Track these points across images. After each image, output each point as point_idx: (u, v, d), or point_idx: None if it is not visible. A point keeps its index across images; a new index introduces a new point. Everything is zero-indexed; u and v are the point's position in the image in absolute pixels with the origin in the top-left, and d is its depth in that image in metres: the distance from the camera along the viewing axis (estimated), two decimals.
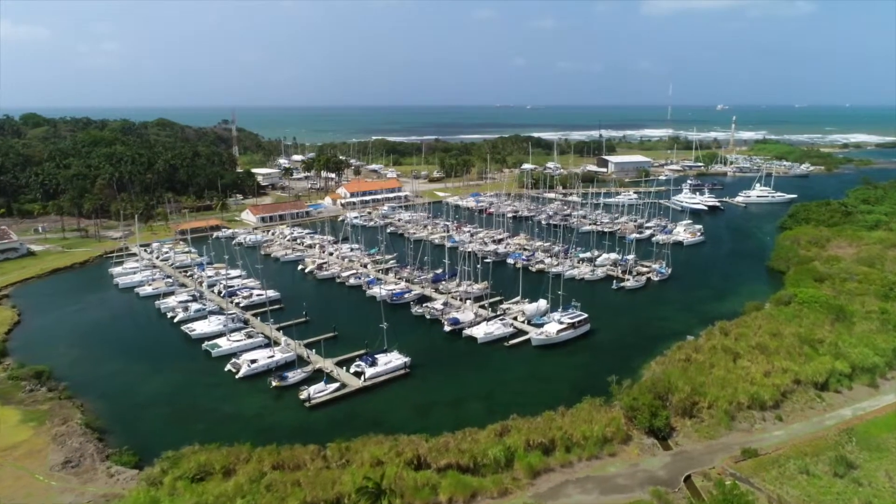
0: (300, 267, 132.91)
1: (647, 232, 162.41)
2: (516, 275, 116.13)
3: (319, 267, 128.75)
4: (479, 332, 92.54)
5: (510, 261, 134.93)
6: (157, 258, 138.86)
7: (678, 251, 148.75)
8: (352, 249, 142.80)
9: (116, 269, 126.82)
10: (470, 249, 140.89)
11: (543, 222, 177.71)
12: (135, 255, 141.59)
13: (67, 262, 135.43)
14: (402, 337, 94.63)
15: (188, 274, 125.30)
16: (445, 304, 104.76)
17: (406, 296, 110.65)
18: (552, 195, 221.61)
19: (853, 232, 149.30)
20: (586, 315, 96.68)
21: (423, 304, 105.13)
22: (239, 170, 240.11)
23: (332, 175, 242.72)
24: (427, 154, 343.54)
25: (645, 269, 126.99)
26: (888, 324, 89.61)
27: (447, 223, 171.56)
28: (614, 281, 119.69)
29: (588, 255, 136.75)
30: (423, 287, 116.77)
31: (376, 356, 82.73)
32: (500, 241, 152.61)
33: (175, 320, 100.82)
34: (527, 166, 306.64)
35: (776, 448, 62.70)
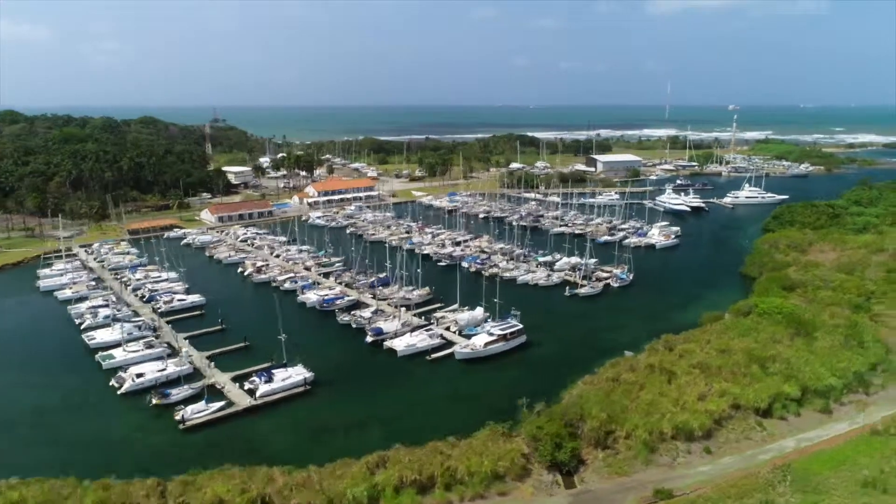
0: (239, 269, 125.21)
1: (620, 234, 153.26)
2: (468, 279, 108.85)
3: (258, 270, 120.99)
4: (400, 344, 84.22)
5: (465, 264, 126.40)
6: (95, 259, 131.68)
7: (649, 255, 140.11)
8: (300, 251, 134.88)
9: (44, 272, 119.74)
10: (425, 252, 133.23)
11: (515, 224, 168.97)
12: (74, 255, 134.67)
13: None
14: (322, 348, 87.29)
15: (118, 277, 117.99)
16: (376, 311, 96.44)
17: (338, 302, 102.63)
18: (531, 195, 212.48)
19: (839, 235, 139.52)
20: (521, 326, 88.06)
21: (351, 312, 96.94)
22: (211, 168, 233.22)
23: (303, 173, 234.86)
24: (414, 153, 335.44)
25: (605, 275, 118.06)
26: (854, 339, 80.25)
27: (411, 224, 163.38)
28: (567, 287, 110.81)
29: (549, 258, 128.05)
30: (360, 292, 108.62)
31: (274, 371, 74.68)
32: (459, 243, 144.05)
33: (82, 327, 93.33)
34: (515, 165, 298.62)
35: (696, 488, 53.99)
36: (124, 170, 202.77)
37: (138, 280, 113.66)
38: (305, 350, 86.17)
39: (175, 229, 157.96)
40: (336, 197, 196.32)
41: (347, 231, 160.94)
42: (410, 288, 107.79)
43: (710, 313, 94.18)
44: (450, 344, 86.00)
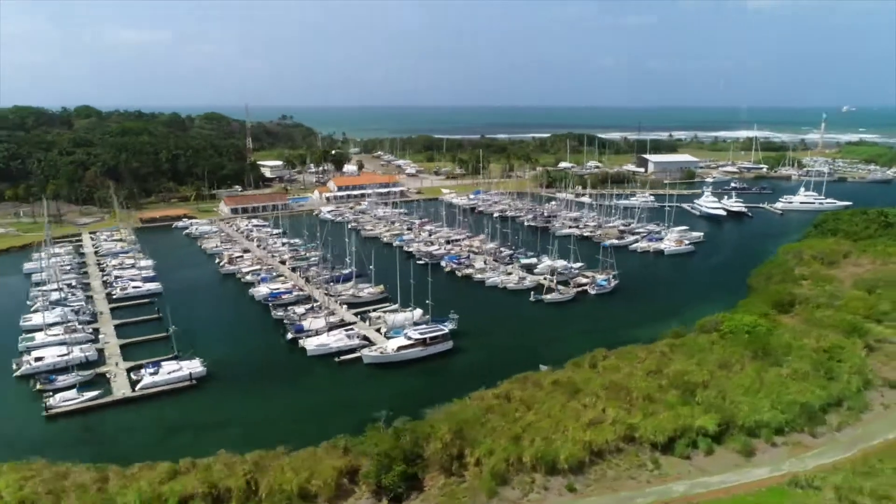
0: (216, 260, 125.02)
1: (631, 238, 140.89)
2: (441, 279, 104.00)
3: (230, 261, 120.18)
4: (311, 343, 79.48)
5: (443, 264, 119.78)
6: (94, 245, 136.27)
7: (653, 261, 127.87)
8: (283, 244, 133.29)
9: (36, 255, 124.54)
10: (411, 249, 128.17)
11: (526, 224, 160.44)
12: (79, 241, 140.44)
13: (3, 246, 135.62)
14: (240, 342, 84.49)
15: (99, 263, 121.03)
16: (311, 308, 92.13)
17: (284, 296, 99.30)
18: (562, 195, 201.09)
19: (883, 247, 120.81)
20: (447, 330, 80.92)
21: (286, 308, 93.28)
22: (249, 161, 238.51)
23: (325, 167, 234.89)
24: (465, 151, 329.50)
25: (586, 280, 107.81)
26: (823, 367, 67.37)
27: (414, 221, 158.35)
28: (532, 292, 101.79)
29: (533, 260, 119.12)
30: (318, 288, 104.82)
31: (163, 364, 72.11)
32: (451, 241, 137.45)
33: (31, 310, 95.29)
34: (564, 164, 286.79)
35: None
36: (162, 161, 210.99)
37: (112, 266, 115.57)
38: (222, 343, 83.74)
39: (185, 219, 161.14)
40: (356, 192, 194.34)
41: (349, 226, 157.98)
42: (365, 285, 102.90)
43: (675, 329, 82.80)
44: (370, 345, 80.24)
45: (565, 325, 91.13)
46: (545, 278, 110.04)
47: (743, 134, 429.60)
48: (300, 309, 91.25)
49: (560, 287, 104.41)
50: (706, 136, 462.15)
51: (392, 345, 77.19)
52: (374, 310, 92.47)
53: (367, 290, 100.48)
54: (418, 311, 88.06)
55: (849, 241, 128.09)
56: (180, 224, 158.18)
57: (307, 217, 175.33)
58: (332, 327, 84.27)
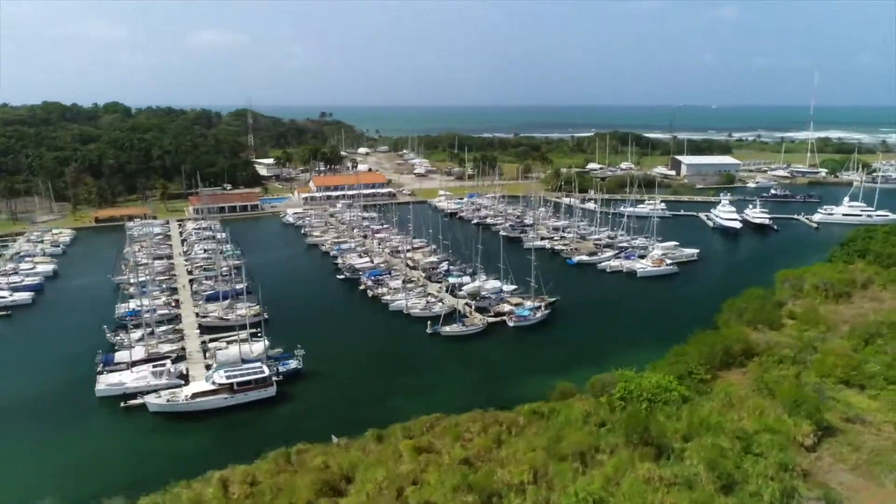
0: (122, 268, 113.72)
1: (607, 253, 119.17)
2: (348, 299, 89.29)
3: (129, 269, 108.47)
4: (104, 382, 65.39)
5: (363, 279, 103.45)
6: (26, 244, 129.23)
7: (620, 285, 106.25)
8: (205, 251, 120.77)
9: None
10: (339, 262, 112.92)
11: (502, 233, 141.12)
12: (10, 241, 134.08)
13: None
14: (42, 371, 71.35)
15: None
16: (151, 332, 78.08)
17: (146, 315, 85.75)
18: (568, 200, 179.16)
19: None
20: (267, 373, 64.65)
21: (126, 330, 79.66)
22: (252, 158, 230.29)
23: (320, 166, 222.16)
24: (497, 150, 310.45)
25: (508, 308, 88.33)
26: (722, 468, 46.29)
27: (372, 227, 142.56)
28: (428, 322, 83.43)
29: (463, 280, 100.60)
30: (195, 306, 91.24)
31: None
32: (398, 252, 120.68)
33: None
34: (593, 166, 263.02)
35: None
36: (153, 158, 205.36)
37: (7, 268, 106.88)
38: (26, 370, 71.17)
39: (137, 219, 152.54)
40: (338, 193, 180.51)
41: (302, 231, 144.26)
42: (244, 305, 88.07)
43: (564, 383, 63.00)
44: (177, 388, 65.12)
45: (446, 370, 72.76)
46: (466, 303, 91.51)
47: (814, 135, 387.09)
48: (136, 333, 77.26)
49: (471, 316, 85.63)
50: (771, 136, 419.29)
51: (187, 391, 61.64)
52: (218, 339, 77.25)
53: (239, 312, 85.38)
54: (259, 345, 72.05)
55: (876, 267, 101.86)
56: (130, 224, 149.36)
57: (269, 220, 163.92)
58: (146, 360, 69.69)
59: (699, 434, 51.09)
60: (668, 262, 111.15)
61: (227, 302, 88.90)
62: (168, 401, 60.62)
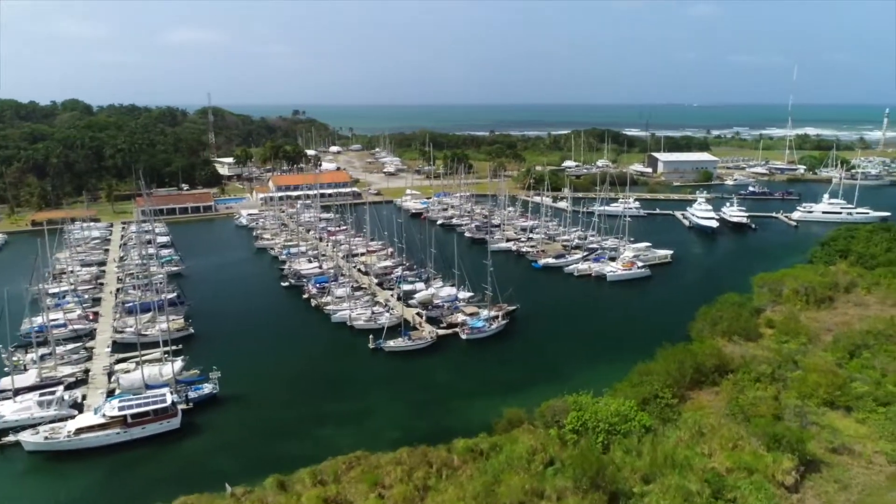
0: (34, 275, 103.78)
1: (576, 255, 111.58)
2: (289, 309, 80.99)
3: (54, 277, 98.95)
4: None
5: (307, 286, 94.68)
6: None
7: (587, 290, 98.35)
8: (140, 256, 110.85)
9: None
10: (286, 268, 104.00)
11: (466, 234, 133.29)
12: None
13: None
14: None
15: None
16: (53, 353, 68.71)
17: (56, 331, 76.26)
18: (539, 199, 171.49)
19: None
20: (170, 402, 55.73)
21: (15, 353, 70.19)
22: (219, 159, 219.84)
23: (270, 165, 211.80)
24: (471, 147, 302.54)
25: (463, 319, 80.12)
26: None
27: (329, 228, 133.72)
28: (370, 336, 74.92)
29: (418, 286, 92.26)
30: (114, 320, 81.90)
31: None
32: (353, 256, 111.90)
33: None
34: (568, 163, 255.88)
35: None
36: (105, 157, 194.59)
37: None
38: None
39: (78, 222, 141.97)
40: (298, 193, 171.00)
41: (254, 233, 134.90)
42: (167, 318, 78.80)
43: (512, 412, 54.86)
44: (69, 419, 55.94)
45: (385, 393, 64.25)
46: (416, 313, 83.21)
47: (792, 132, 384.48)
48: (35, 353, 67.77)
49: (420, 328, 77.35)
50: (749, 133, 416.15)
51: (71, 425, 52.55)
52: (127, 359, 68.07)
53: (160, 327, 76.25)
54: (169, 367, 63.07)
55: (859, 268, 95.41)
56: (71, 227, 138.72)
57: (223, 222, 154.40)
58: (35, 386, 60.43)
59: (663, 473, 43.47)
60: (640, 264, 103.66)
61: (148, 315, 79.66)
62: (47, 438, 51.54)
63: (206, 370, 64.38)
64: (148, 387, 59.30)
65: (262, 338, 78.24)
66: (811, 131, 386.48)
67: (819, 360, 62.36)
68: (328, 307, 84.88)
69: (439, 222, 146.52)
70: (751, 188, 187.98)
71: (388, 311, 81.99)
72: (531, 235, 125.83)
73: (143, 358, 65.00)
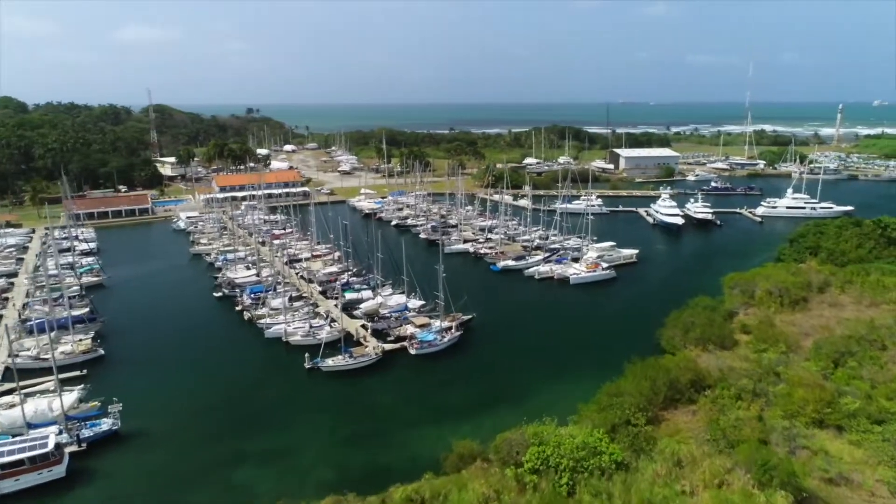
0: None
1: (536, 257, 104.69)
2: (222, 322, 71.72)
3: None
4: None
5: (240, 297, 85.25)
6: None
7: (549, 294, 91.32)
8: (57, 265, 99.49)
9: None
10: (219, 276, 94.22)
11: (421, 235, 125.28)
12: None
13: None
14: None
15: None
16: None
17: None
18: (498, 197, 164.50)
19: (878, 277, 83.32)
20: (50, 447, 46.30)
21: None
22: (162, 158, 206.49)
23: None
24: (430, 145, 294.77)
25: (414, 329, 72.06)
26: None
27: (274, 231, 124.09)
28: (307, 356, 66.25)
29: (363, 295, 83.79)
30: (12, 342, 70.98)
31: None
32: (295, 261, 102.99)
33: None
34: (529, 160, 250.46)
35: None
36: (34, 158, 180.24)
37: None
38: None
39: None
40: (244, 193, 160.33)
41: (191, 238, 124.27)
42: (73, 338, 68.79)
43: (465, 442, 47.11)
44: None
45: (318, 423, 55.79)
46: (362, 325, 74.87)
47: (751, 128, 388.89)
48: None
49: (364, 343, 69.05)
50: (708, 129, 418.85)
51: None
52: (13, 391, 57.84)
53: (61, 349, 66.21)
54: (63, 399, 53.28)
55: (830, 266, 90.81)
56: None
57: (160, 226, 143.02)
58: None
59: None
60: (605, 265, 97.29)
61: (52, 334, 69.25)
62: None
63: (108, 401, 54.92)
64: (31, 426, 49.63)
65: (184, 359, 68.80)
66: (767, 127, 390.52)
67: (802, 371, 56.41)
68: (262, 321, 75.76)
69: (394, 223, 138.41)
70: (713, 183, 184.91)
71: (328, 325, 73.40)
72: (490, 236, 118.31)
73: (32, 389, 55.08)
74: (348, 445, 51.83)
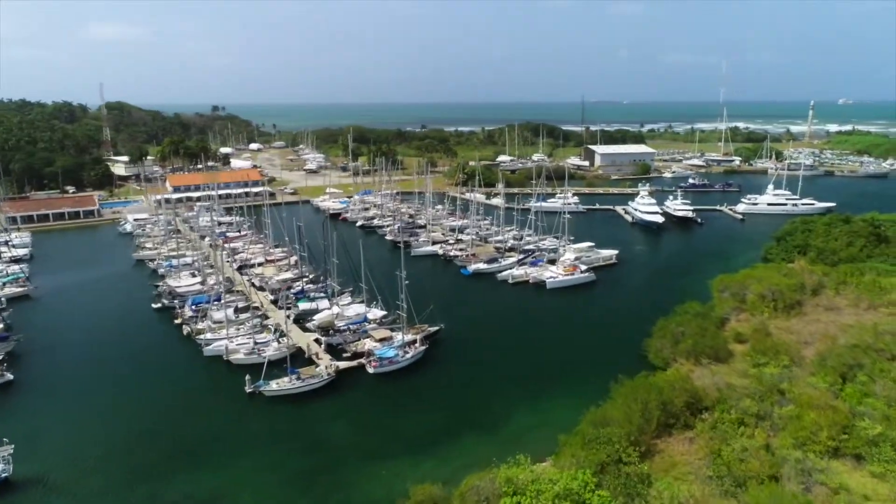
0: None
1: (510, 259, 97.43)
2: (154, 339, 62.78)
3: None
4: None
5: (180, 309, 76.30)
6: None
7: (524, 300, 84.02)
8: None
9: None
10: (161, 284, 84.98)
11: (388, 237, 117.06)
12: None
13: None
14: None
15: None
16: None
17: None
18: (470, 196, 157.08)
19: (873, 277, 77.79)
20: None
21: None
22: (116, 157, 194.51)
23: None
24: (402, 143, 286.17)
25: (374, 344, 64.06)
26: None
27: (228, 234, 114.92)
28: (247, 378, 57.77)
29: (318, 305, 75.49)
30: None
31: None
32: (249, 266, 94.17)
33: None
34: (503, 158, 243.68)
35: None
36: None
37: None
38: None
39: None
40: (200, 193, 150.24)
41: (136, 242, 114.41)
42: None
43: (426, 487, 39.35)
44: None
45: (256, 458, 47.54)
46: (315, 340, 66.64)
47: (724, 125, 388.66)
48: None
49: (319, 360, 60.87)
50: (683, 128, 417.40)
51: None
52: None
53: None
54: None
55: (822, 266, 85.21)
56: None
57: (107, 229, 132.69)
58: None
59: None
60: (583, 267, 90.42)
61: None
62: None
63: (27, 432, 46.09)
64: None
65: (108, 383, 59.90)
66: (741, 124, 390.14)
67: (810, 389, 49.82)
68: (202, 336, 67.02)
69: (359, 224, 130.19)
70: (691, 180, 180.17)
71: (277, 340, 65.02)
72: (461, 237, 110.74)
73: None
74: (291, 485, 43.91)
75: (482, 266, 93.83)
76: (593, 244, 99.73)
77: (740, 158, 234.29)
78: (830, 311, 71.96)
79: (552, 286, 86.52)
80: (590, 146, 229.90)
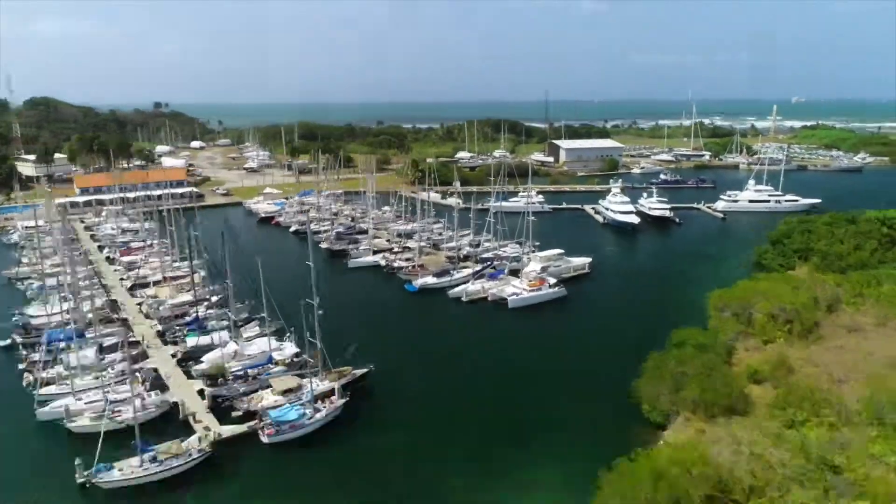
0: None
1: (464, 272, 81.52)
2: None
3: None
4: None
5: (24, 355, 58.08)
6: None
7: (481, 322, 68.01)
8: None
9: None
10: (15, 314, 66.33)
11: (323, 245, 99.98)
12: None
13: None
14: None
15: None
16: None
17: None
18: (425, 195, 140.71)
19: (892, 288, 64.58)
20: None
21: None
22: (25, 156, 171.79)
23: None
24: (355, 140, 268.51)
25: (268, 404, 47.24)
26: None
27: (131, 245, 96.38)
28: (77, 462, 40.41)
29: (210, 339, 58.22)
30: None
31: None
32: (151, 284, 76.32)
33: None
34: (462, 154, 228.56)
35: None
36: None
37: None
38: None
39: None
40: (111, 196, 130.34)
41: (24, 253, 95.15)
42: None
43: None
44: None
45: None
46: (199, 391, 49.51)
47: (688, 122, 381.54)
48: None
49: (197, 424, 43.94)
50: (648, 124, 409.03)
51: None
52: None
53: None
54: None
55: (833, 275, 71.81)
56: None
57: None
58: None
59: None
60: (551, 280, 75.16)
61: None
62: None
63: None
64: None
65: None
66: (706, 121, 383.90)
67: (877, 463, 35.19)
68: (46, 389, 49.28)
69: (293, 229, 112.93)
70: (662, 176, 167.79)
71: (145, 394, 47.77)
72: (408, 244, 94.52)
73: None
74: None
75: (430, 280, 77.78)
76: (562, 251, 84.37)
77: (710, 153, 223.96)
78: (854, 333, 58.44)
79: (515, 305, 70.95)
80: (554, 141, 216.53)
